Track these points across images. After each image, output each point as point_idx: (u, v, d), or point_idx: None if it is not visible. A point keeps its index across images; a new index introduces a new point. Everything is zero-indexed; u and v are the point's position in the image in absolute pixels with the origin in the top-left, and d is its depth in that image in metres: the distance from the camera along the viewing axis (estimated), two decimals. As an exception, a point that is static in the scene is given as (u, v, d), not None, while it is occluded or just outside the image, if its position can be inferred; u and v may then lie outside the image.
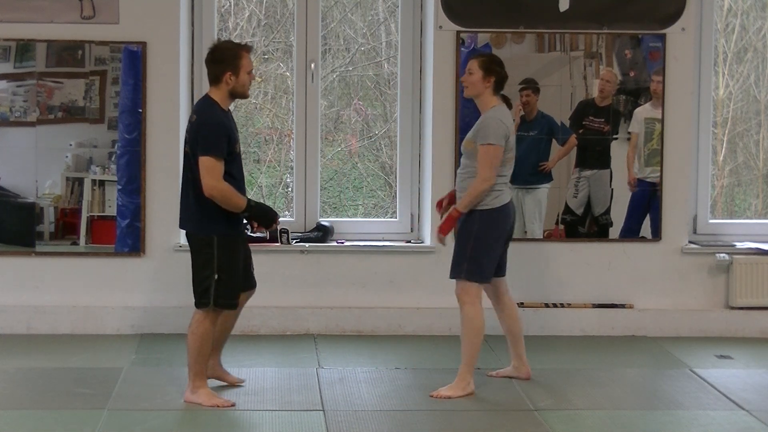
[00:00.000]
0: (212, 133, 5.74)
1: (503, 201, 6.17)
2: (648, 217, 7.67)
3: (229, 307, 5.94)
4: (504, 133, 6.10)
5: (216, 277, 5.83)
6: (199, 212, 5.85)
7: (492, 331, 7.43)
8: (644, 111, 7.62)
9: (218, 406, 5.85)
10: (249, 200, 5.87)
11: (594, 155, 7.62)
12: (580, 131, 7.60)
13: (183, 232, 7.49)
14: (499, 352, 7.02)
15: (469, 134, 6.27)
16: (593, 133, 7.60)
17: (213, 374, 6.19)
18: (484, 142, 6.07)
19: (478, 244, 6.11)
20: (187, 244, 6.02)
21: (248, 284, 6.15)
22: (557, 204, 7.64)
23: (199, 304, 5.89)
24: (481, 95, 6.18)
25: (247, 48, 5.89)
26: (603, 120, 7.60)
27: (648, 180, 7.66)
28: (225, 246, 5.85)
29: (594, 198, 7.64)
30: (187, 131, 5.91)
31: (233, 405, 5.88)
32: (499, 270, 6.33)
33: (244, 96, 5.93)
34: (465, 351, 6.15)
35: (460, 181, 6.25)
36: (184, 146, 5.91)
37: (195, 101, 7.62)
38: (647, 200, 7.66)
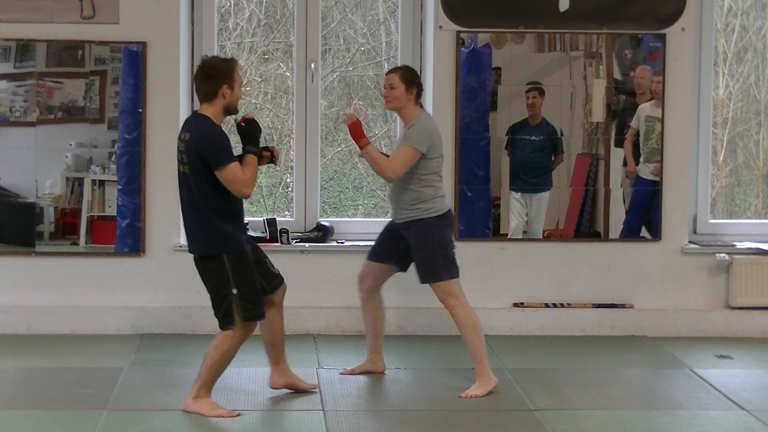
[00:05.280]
0: (217, 142, 5.64)
1: (446, 206, 6.28)
2: (648, 217, 7.69)
3: (258, 317, 5.82)
4: (429, 142, 6.17)
5: (235, 291, 5.72)
6: (202, 232, 5.73)
7: (491, 330, 7.45)
8: (646, 109, 7.62)
9: (223, 417, 5.73)
10: (245, 150, 5.76)
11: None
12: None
13: (183, 232, 7.51)
14: (499, 352, 7.02)
15: (397, 142, 6.36)
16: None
17: (285, 384, 6.15)
18: (406, 143, 6.15)
19: (444, 244, 6.19)
20: (197, 268, 5.85)
21: (275, 282, 6.07)
22: (557, 205, 7.65)
23: (223, 325, 5.77)
24: (404, 107, 6.25)
25: (236, 62, 5.83)
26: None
27: (648, 179, 7.66)
28: (235, 259, 5.74)
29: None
30: (180, 151, 5.76)
31: (239, 415, 5.77)
32: (402, 264, 6.41)
33: (236, 111, 5.83)
34: (473, 351, 6.18)
35: (395, 194, 6.29)
36: (179, 167, 5.79)
37: (195, 101, 7.63)
38: (647, 199, 7.66)
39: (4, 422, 5.59)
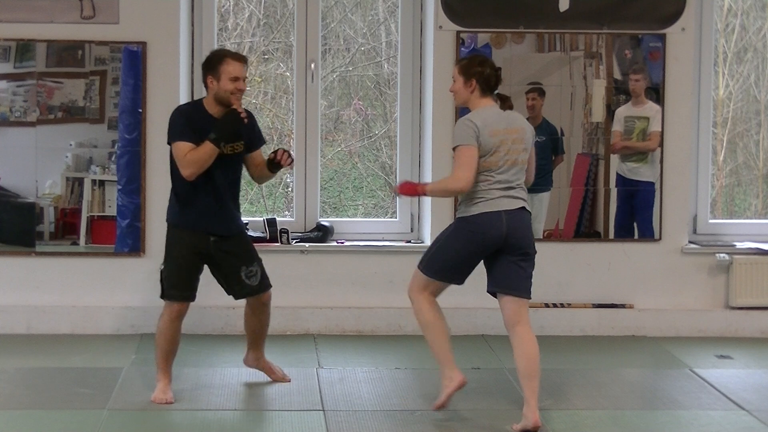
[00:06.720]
0: (175, 120, 5.91)
1: (479, 210, 5.58)
2: (640, 217, 7.70)
3: (173, 299, 5.95)
4: (472, 132, 5.49)
5: (162, 267, 6.01)
6: (169, 201, 6.07)
7: (491, 330, 7.45)
8: (624, 110, 7.63)
9: (155, 401, 5.92)
10: (209, 137, 5.81)
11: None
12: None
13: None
14: (499, 352, 7.02)
15: None
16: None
17: (257, 367, 6.36)
18: (453, 145, 5.61)
19: (444, 245, 5.70)
20: None
21: (243, 291, 6.08)
22: (557, 205, 7.65)
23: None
24: (469, 101, 5.65)
25: (233, 55, 5.89)
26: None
27: (627, 177, 7.65)
28: (173, 236, 5.99)
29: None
30: None
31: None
32: (500, 285, 5.73)
33: (227, 102, 5.86)
34: (431, 349, 5.80)
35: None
36: None
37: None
38: (630, 198, 7.65)
39: (4, 422, 5.59)
